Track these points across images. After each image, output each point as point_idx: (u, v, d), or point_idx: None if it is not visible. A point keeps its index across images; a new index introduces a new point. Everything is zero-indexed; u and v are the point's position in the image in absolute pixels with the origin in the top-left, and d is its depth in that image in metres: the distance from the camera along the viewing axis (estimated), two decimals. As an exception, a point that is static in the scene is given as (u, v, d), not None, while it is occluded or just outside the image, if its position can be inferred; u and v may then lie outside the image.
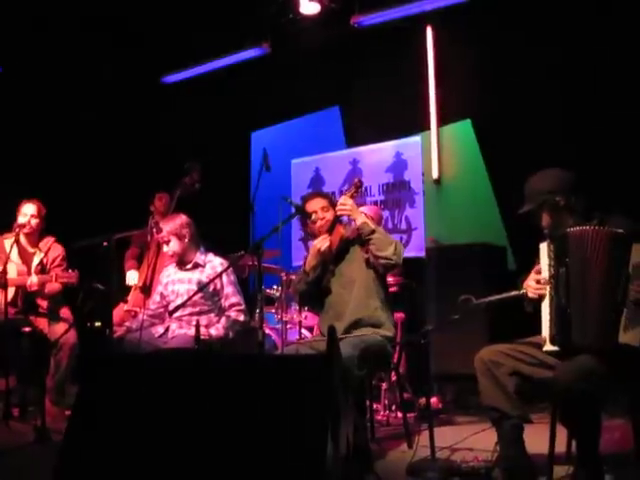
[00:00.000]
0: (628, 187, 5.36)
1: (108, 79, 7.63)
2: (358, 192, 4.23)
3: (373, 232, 4.02)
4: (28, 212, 5.50)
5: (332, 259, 4.19)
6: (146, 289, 5.75)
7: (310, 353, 3.91)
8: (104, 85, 7.65)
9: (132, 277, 6.28)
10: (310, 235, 4.41)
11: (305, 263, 4.30)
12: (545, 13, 6.01)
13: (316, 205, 4.29)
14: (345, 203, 4.10)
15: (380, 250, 3.99)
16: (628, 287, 3.07)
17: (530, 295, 3.31)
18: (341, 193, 7.30)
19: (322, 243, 4.14)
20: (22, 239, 5.52)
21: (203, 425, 2.50)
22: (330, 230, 4.20)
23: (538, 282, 3.28)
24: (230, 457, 2.42)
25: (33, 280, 5.30)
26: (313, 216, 4.26)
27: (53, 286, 5.38)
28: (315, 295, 4.26)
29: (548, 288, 3.24)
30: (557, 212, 3.34)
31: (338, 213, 4.15)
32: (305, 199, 4.40)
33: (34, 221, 5.50)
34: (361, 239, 4.09)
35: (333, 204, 4.25)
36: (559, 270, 3.21)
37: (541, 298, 3.26)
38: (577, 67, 5.86)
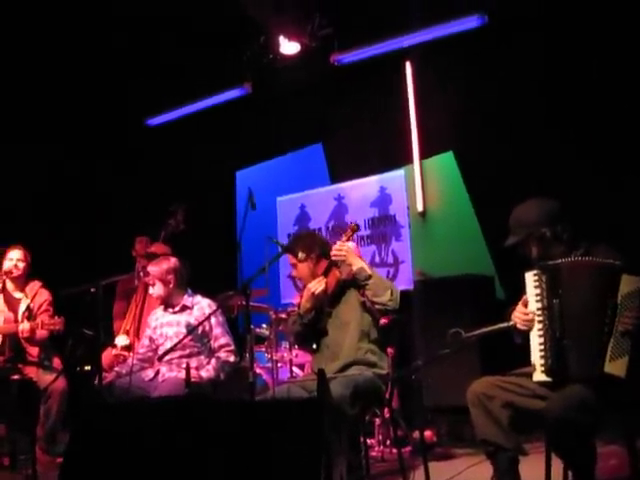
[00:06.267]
0: (613, 214, 5.41)
1: (93, 123, 7.66)
2: (354, 236, 4.22)
3: (370, 277, 4.00)
4: (14, 257, 5.51)
5: (327, 302, 4.16)
6: (130, 347, 5.66)
7: (301, 395, 3.88)
8: (88, 128, 7.67)
9: (121, 341, 6.03)
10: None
11: (299, 305, 4.27)
12: (524, 44, 6.09)
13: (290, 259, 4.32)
14: (341, 248, 4.07)
15: (377, 296, 3.98)
16: (615, 317, 3.09)
17: (519, 327, 3.32)
18: (328, 230, 7.41)
19: (317, 287, 4.09)
20: (8, 285, 5.52)
21: (196, 471, 2.48)
22: (325, 273, 4.15)
23: (526, 314, 3.29)
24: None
25: (25, 327, 5.26)
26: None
27: (40, 333, 5.34)
28: (310, 336, 4.23)
29: (540, 318, 3.24)
30: (544, 243, 3.36)
31: (334, 258, 4.11)
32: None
33: (21, 264, 5.52)
34: (357, 282, 4.08)
35: (311, 249, 4.24)
36: (552, 301, 3.22)
37: (530, 329, 3.27)
38: (558, 97, 5.94)
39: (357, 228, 4.22)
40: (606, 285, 3.14)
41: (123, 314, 6.21)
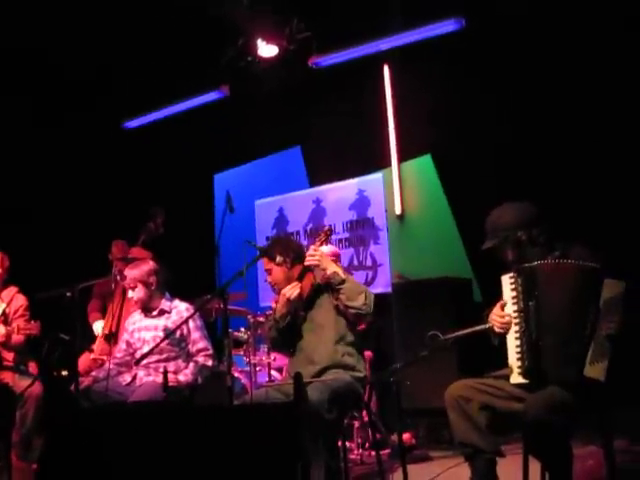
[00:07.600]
0: (588, 215, 5.45)
1: (69, 126, 7.60)
2: (328, 240, 4.22)
3: (343, 282, 3.98)
4: (-10, 262, 5.45)
5: (302, 306, 4.14)
6: (111, 337, 5.66)
7: (279, 399, 3.87)
8: (65, 132, 7.61)
9: (99, 327, 6.15)
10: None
11: (275, 310, 4.26)
12: (502, 48, 6.12)
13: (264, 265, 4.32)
14: (314, 254, 4.05)
15: (350, 300, 3.95)
16: (598, 321, 3.11)
17: (496, 329, 3.33)
18: (306, 233, 7.40)
19: (291, 292, 4.07)
20: (-17, 291, 5.45)
21: (173, 476, 2.46)
22: (300, 278, 4.14)
23: (503, 316, 3.30)
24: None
25: (1, 331, 5.21)
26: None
27: (16, 337, 5.29)
28: (286, 340, 4.21)
29: (516, 321, 3.26)
30: (519, 247, 3.37)
31: (307, 264, 4.09)
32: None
33: (-4, 270, 5.45)
34: (331, 286, 4.06)
35: (286, 254, 4.22)
36: (528, 303, 3.23)
37: (507, 331, 3.28)
38: (535, 99, 5.97)
39: (330, 232, 4.19)
40: (586, 288, 3.16)
41: (98, 310, 6.21)
